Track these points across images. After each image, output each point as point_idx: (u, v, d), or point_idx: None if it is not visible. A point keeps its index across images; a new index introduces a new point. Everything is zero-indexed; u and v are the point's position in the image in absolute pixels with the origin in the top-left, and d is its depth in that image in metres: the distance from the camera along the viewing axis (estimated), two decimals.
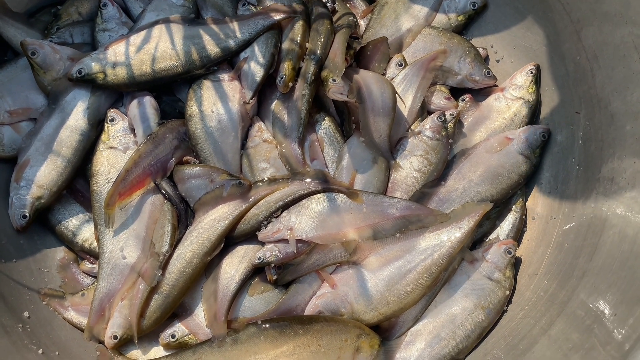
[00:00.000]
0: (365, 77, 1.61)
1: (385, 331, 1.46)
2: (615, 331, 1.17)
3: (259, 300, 1.47)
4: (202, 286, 1.48)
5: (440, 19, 1.82)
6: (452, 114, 1.64)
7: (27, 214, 1.54)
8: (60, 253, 1.62)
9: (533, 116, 1.68)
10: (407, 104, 1.65)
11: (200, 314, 1.46)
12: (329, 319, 1.38)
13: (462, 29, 1.85)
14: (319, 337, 1.35)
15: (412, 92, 1.66)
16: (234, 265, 1.47)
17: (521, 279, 1.52)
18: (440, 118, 1.61)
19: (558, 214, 1.53)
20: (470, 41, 1.83)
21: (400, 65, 1.72)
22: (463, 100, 1.74)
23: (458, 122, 1.67)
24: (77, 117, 1.61)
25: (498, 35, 1.81)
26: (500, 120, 1.68)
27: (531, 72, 1.66)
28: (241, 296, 1.47)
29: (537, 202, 1.61)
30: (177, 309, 1.48)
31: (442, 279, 1.45)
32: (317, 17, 1.67)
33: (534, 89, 1.66)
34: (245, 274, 1.46)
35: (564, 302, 1.34)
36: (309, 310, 1.44)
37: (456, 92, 1.77)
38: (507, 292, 1.46)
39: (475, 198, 1.54)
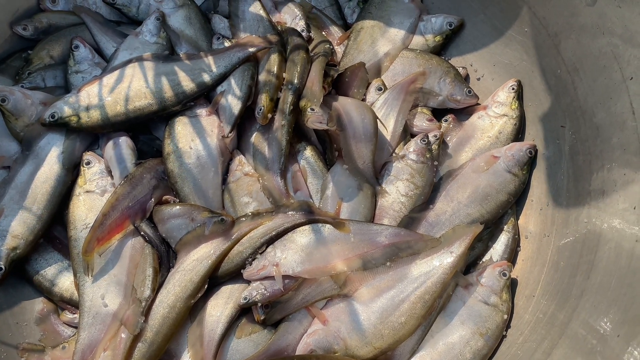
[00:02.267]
0: (344, 104, 1.58)
1: None
2: (620, 352, 1.11)
3: (248, 343, 1.41)
4: (187, 331, 1.42)
5: (417, 40, 1.81)
6: (435, 136, 1.62)
7: (3, 266, 1.48)
8: (39, 304, 1.55)
9: (518, 132, 1.65)
10: (389, 128, 1.62)
11: None
12: (321, 358, 1.32)
13: (440, 50, 1.84)
14: None
15: (394, 116, 1.64)
16: (220, 307, 1.41)
17: (518, 301, 1.47)
18: (424, 140, 1.58)
19: (551, 231, 1.49)
20: (449, 61, 1.82)
21: (380, 89, 1.70)
22: (446, 120, 1.71)
23: (442, 143, 1.65)
24: (51, 162, 1.56)
25: (477, 53, 1.80)
26: (485, 139, 1.65)
27: (513, 88, 1.64)
28: (228, 339, 1.41)
29: (529, 220, 1.57)
30: (163, 357, 1.40)
31: (437, 307, 1.39)
32: (292, 47, 1.65)
33: (516, 105, 1.64)
34: (232, 315, 1.40)
35: (564, 323, 1.29)
36: (300, 349, 1.37)
37: (438, 113, 1.75)
38: (505, 316, 1.41)
39: (465, 220, 1.49)
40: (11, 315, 1.51)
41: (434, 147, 1.60)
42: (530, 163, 1.57)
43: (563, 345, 1.26)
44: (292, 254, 1.40)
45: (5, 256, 1.48)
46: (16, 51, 1.77)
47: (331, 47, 1.73)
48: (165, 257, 1.47)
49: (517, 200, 1.58)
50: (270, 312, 1.41)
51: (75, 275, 1.48)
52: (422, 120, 1.68)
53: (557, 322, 1.31)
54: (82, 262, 1.43)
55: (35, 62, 1.74)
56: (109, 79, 1.59)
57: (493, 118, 1.66)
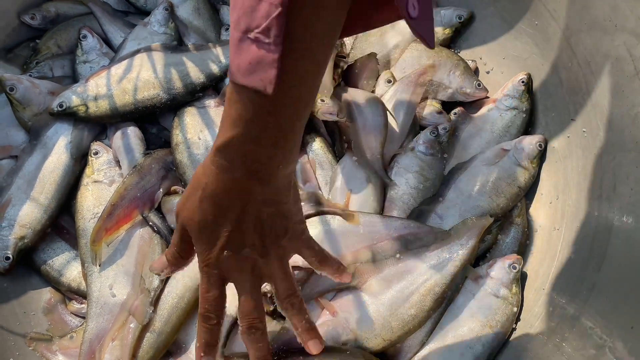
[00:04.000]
0: (354, 95, 1.58)
1: (391, 358, 1.39)
2: (634, 345, 1.11)
3: None
4: (196, 321, 1.40)
5: None
6: (445, 128, 1.61)
7: (10, 256, 1.47)
8: (47, 294, 1.54)
9: (528, 126, 1.65)
10: (398, 120, 1.62)
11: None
12: (330, 349, 1.31)
13: (450, 42, 1.83)
14: None
15: (403, 108, 1.63)
16: (229, 297, 1.40)
17: (528, 294, 1.46)
18: (433, 133, 1.57)
19: (561, 224, 1.48)
20: (459, 54, 1.81)
21: (389, 82, 1.69)
22: (455, 113, 1.70)
23: (452, 136, 1.64)
24: (59, 152, 1.56)
25: (486, 46, 1.79)
26: (494, 132, 1.64)
27: (522, 82, 1.63)
28: (237, 330, 1.40)
29: (538, 213, 1.57)
30: (171, 347, 1.40)
31: (446, 299, 1.39)
32: None
33: (526, 98, 1.63)
34: None
35: (575, 316, 1.28)
36: None
37: (448, 106, 1.74)
38: (515, 309, 1.40)
39: (475, 213, 1.49)
40: (19, 305, 1.51)
41: (444, 139, 1.59)
42: (540, 156, 1.56)
43: (574, 337, 1.25)
44: None
45: (13, 245, 1.48)
46: (24, 40, 1.76)
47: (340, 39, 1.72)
48: None
49: (526, 193, 1.57)
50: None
51: (83, 265, 1.47)
52: (431, 113, 1.68)
53: (568, 315, 1.30)
54: (90, 252, 1.42)
55: (43, 52, 1.73)
56: (117, 69, 1.59)
57: (503, 111, 1.65)
